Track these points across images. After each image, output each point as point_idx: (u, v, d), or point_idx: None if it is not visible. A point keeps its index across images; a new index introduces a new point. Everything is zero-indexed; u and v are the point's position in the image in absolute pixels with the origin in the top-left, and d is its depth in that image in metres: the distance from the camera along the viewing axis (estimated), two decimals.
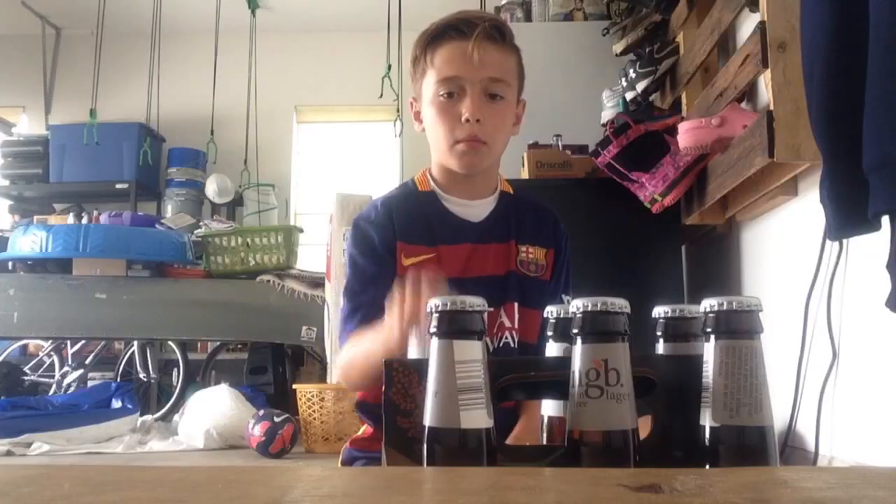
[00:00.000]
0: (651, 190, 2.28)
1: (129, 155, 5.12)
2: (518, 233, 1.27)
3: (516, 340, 1.22)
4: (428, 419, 0.58)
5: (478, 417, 0.57)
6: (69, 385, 4.31)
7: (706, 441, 0.58)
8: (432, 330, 0.58)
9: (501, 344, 1.22)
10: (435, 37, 1.22)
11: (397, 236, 1.23)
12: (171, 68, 5.35)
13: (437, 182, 1.29)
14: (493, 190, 1.30)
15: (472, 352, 0.58)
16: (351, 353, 1.15)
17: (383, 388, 0.65)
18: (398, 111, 4.41)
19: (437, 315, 0.58)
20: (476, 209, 1.27)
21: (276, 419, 3.16)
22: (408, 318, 0.89)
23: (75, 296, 3.77)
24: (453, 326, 0.58)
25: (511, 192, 1.33)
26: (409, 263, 1.21)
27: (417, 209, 1.27)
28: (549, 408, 0.69)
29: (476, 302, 0.58)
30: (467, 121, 1.18)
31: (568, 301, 1.19)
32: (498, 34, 1.20)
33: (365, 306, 1.17)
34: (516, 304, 1.23)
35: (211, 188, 5.24)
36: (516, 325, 1.23)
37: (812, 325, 1.83)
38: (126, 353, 4.49)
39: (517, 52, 1.26)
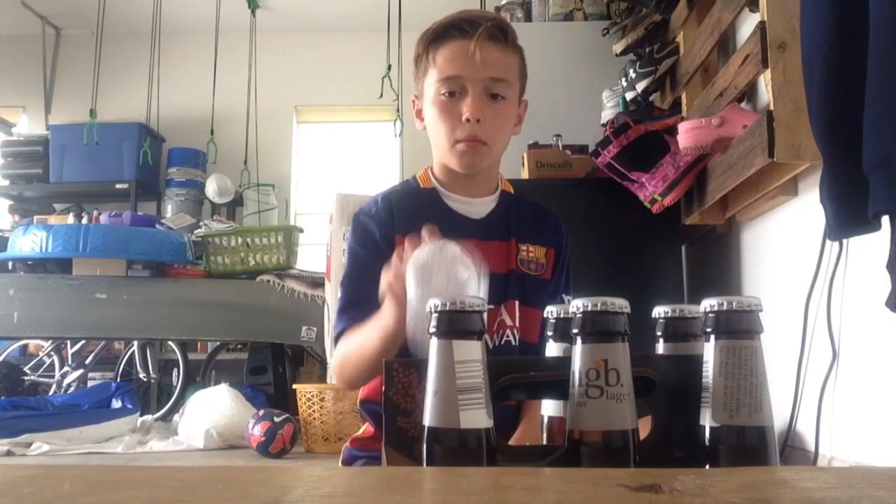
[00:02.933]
0: (651, 190, 2.28)
1: (129, 155, 5.12)
2: (519, 232, 1.27)
3: (517, 339, 1.22)
4: (427, 419, 0.58)
5: (477, 417, 0.57)
6: (69, 385, 4.31)
7: (706, 441, 0.58)
8: (431, 330, 0.58)
9: (502, 342, 1.22)
10: (437, 36, 1.22)
11: (396, 230, 1.23)
12: (171, 68, 5.35)
13: (438, 180, 1.29)
14: (494, 189, 1.30)
15: (471, 352, 0.58)
16: (345, 348, 1.16)
17: (383, 388, 0.65)
18: (398, 111, 4.41)
19: (436, 315, 0.58)
20: (477, 207, 1.28)
21: (276, 419, 3.16)
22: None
23: (75, 296, 3.77)
24: (452, 326, 0.58)
25: (512, 192, 1.33)
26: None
27: (418, 205, 1.27)
28: (549, 408, 0.69)
29: (475, 302, 0.58)
30: (468, 120, 1.18)
31: (569, 301, 1.19)
32: (500, 34, 1.20)
33: (361, 302, 1.15)
34: (517, 303, 1.23)
35: (211, 188, 5.24)
36: (517, 324, 1.23)
37: (812, 325, 1.83)
38: (126, 353, 4.49)
39: (520, 52, 1.25)
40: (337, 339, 1.20)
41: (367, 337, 1.07)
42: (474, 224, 1.26)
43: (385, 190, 1.33)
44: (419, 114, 1.28)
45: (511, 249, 1.26)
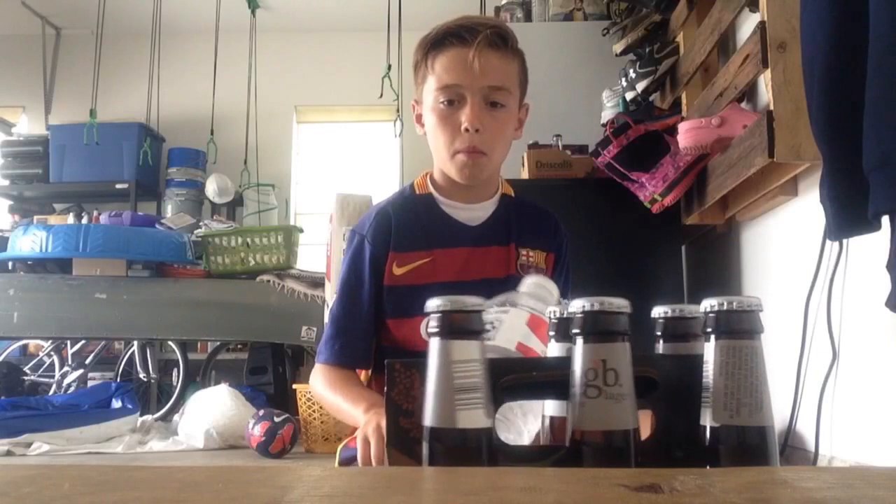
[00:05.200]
0: (651, 190, 2.28)
1: (129, 155, 5.12)
2: (518, 236, 1.27)
3: None
4: (426, 419, 0.58)
5: (475, 417, 0.57)
6: (69, 385, 4.31)
7: (706, 441, 0.58)
8: (431, 330, 0.58)
9: None
10: (436, 43, 1.21)
11: (391, 246, 1.24)
12: (171, 68, 5.35)
13: (437, 185, 1.29)
14: (494, 193, 1.30)
15: (469, 351, 0.58)
16: (322, 389, 1.24)
17: (385, 388, 0.65)
18: (398, 111, 4.41)
19: (435, 315, 0.58)
20: (475, 212, 1.27)
21: (276, 419, 3.16)
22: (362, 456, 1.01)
23: (75, 296, 3.77)
24: (451, 326, 0.58)
25: (512, 194, 1.33)
26: (402, 272, 1.23)
27: (413, 214, 1.27)
28: (550, 408, 0.69)
29: (474, 302, 0.58)
30: (466, 130, 1.17)
31: (565, 304, 1.19)
32: (500, 41, 1.19)
33: (342, 335, 1.24)
34: None
35: (211, 188, 5.24)
36: None
37: (812, 325, 1.83)
38: (126, 353, 4.49)
39: (520, 56, 1.25)
40: (318, 362, 1.26)
41: (339, 407, 1.18)
42: (471, 230, 1.26)
43: (382, 202, 1.33)
44: (419, 119, 1.28)
45: (510, 254, 1.26)
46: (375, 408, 1.08)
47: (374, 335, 1.25)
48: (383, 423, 1.00)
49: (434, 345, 0.58)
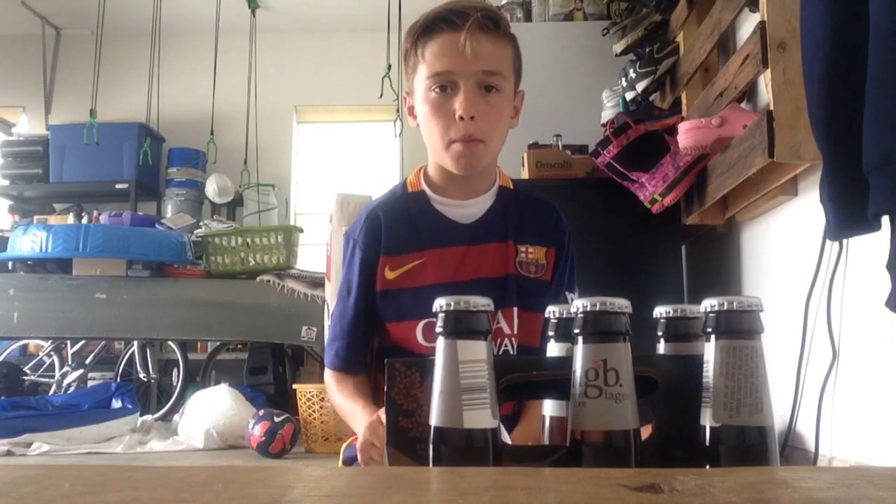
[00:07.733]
0: (651, 190, 2.28)
1: (129, 155, 5.13)
2: (517, 231, 1.22)
3: (515, 346, 1.19)
4: (432, 419, 0.58)
5: (482, 417, 0.57)
6: (69, 385, 4.31)
7: (707, 441, 0.58)
8: (438, 330, 0.58)
9: (500, 351, 1.18)
10: (425, 29, 1.16)
11: (382, 250, 1.20)
12: (171, 68, 5.35)
13: (432, 180, 1.24)
14: (491, 186, 1.25)
15: (476, 352, 0.58)
16: (331, 389, 1.28)
17: (385, 388, 0.65)
18: (398, 111, 4.40)
19: (442, 315, 0.58)
20: (470, 209, 1.23)
21: (276, 419, 3.16)
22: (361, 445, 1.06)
23: (75, 296, 3.77)
24: (457, 326, 0.58)
25: (511, 186, 1.28)
26: (394, 276, 1.20)
27: (405, 214, 1.22)
28: (551, 408, 0.69)
29: (481, 302, 0.58)
30: (461, 118, 1.12)
31: (572, 299, 1.16)
32: (491, 24, 1.14)
33: (341, 337, 1.25)
34: (515, 309, 1.19)
35: (211, 188, 5.24)
36: (515, 331, 1.19)
37: (812, 325, 1.83)
38: (126, 353, 4.49)
39: (513, 41, 1.20)
40: (326, 364, 1.29)
41: (343, 415, 1.23)
42: (466, 228, 1.21)
43: (372, 203, 1.29)
44: (411, 111, 1.23)
45: (508, 251, 1.21)
46: (369, 428, 1.08)
47: (367, 339, 1.24)
48: (376, 457, 1.01)
49: (441, 345, 0.58)
